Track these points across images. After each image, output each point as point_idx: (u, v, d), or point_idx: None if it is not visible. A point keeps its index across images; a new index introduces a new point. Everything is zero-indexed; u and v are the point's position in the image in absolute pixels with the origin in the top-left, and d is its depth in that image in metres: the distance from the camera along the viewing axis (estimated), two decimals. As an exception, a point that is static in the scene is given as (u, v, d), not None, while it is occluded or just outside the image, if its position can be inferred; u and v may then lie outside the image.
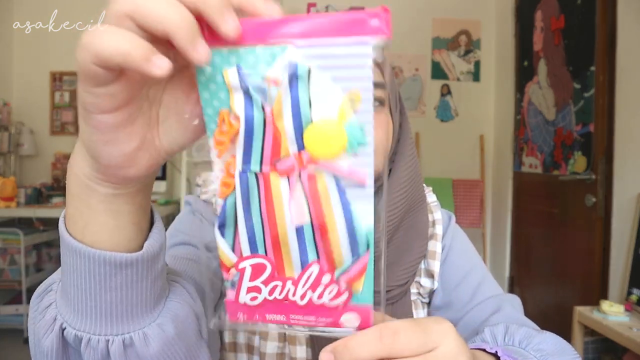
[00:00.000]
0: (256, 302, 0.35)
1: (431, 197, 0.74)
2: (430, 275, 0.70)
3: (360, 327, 0.34)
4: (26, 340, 2.82)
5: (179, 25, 0.28)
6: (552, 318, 2.67)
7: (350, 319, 0.34)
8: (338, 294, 0.33)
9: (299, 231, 0.33)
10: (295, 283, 0.34)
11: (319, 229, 0.32)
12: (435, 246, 0.70)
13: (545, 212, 2.80)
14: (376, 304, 0.34)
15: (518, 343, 0.56)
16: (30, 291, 2.91)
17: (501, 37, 3.43)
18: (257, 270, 0.34)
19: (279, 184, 0.32)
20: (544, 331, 0.59)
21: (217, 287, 0.64)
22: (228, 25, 0.29)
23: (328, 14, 0.29)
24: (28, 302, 2.90)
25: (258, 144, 0.31)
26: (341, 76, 0.29)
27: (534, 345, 0.55)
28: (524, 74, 3.09)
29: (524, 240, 3.12)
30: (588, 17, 2.37)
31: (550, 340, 0.57)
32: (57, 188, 3.43)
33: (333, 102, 0.30)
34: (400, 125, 0.68)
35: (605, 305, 1.86)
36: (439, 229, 0.71)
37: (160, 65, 0.28)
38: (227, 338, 0.65)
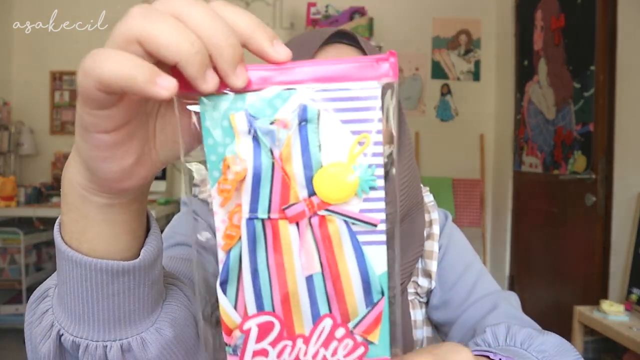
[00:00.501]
0: None
1: (428, 197, 0.74)
2: (427, 275, 0.70)
3: None
4: (26, 340, 2.82)
5: (190, 54, 0.27)
6: (552, 317, 2.67)
7: None
8: (353, 349, 0.31)
9: (309, 282, 0.31)
10: (307, 341, 0.31)
11: (330, 277, 0.31)
12: (432, 246, 0.70)
13: (545, 212, 2.80)
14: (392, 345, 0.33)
15: (520, 344, 0.56)
16: (30, 290, 2.91)
17: (501, 37, 3.42)
18: (264, 330, 0.31)
19: (287, 232, 0.30)
20: (546, 331, 0.59)
21: (214, 287, 0.63)
22: (238, 79, 0.29)
23: (336, 60, 0.29)
24: (28, 301, 2.89)
25: (266, 190, 0.30)
26: (350, 118, 0.29)
27: (535, 347, 0.55)
28: (524, 73, 3.08)
29: (524, 239, 3.12)
30: (588, 16, 2.37)
31: (552, 341, 0.57)
32: (57, 187, 3.43)
33: (343, 144, 0.29)
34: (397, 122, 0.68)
35: (605, 304, 1.86)
36: (435, 229, 0.71)
37: (166, 86, 0.27)
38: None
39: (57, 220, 0.37)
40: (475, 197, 3.40)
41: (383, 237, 0.30)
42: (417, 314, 0.71)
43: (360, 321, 0.31)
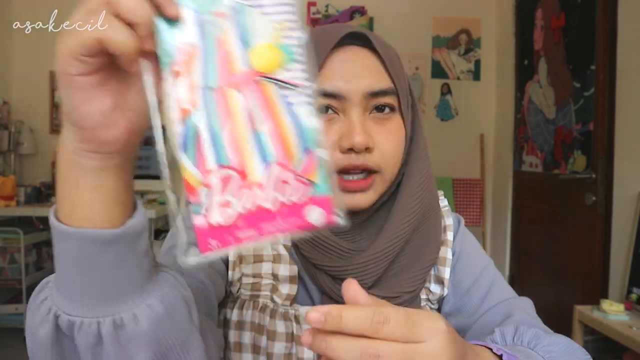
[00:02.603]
0: (228, 220, 0.36)
1: (442, 202, 0.73)
2: (440, 281, 0.69)
3: (327, 222, 0.38)
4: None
5: None
6: (552, 317, 2.67)
7: (316, 216, 0.38)
8: (301, 189, 0.37)
9: (257, 137, 0.37)
10: (263, 187, 0.37)
11: (272, 131, 0.37)
12: (445, 252, 0.69)
13: (545, 211, 2.80)
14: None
15: (527, 343, 0.56)
16: (30, 290, 2.89)
17: (501, 36, 3.42)
18: (225, 183, 0.37)
19: (234, 97, 0.37)
20: (555, 333, 0.59)
21: (221, 286, 0.63)
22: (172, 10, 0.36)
23: None
24: (28, 301, 2.89)
25: (213, 66, 0.37)
26: (273, 11, 0.38)
27: (542, 346, 0.55)
28: (524, 72, 3.08)
29: (524, 239, 3.12)
30: (588, 15, 2.37)
31: (560, 342, 0.57)
32: (57, 187, 3.42)
33: (268, 30, 0.38)
34: (412, 122, 0.67)
35: (605, 304, 1.86)
36: (449, 235, 0.70)
37: (137, 67, 0.35)
38: (232, 337, 0.64)
39: (54, 205, 0.40)
40: (476, 197, 3.41)
41: (309, 96, 0.38)
42: None
43: (301, 164, 0.38)
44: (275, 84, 0.38)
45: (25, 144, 3.49)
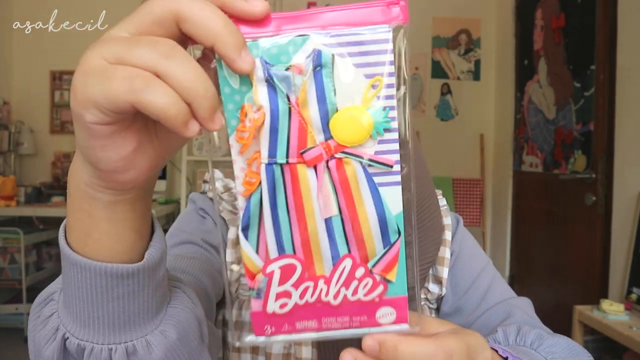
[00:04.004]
0: (286, 310, 0.33)
1: (441, 202, 0.73)
2: (438, 281, 0.69)
3: (397, 322, 0.33)
4: (26, 340, 2.82)
5: (225, 32, 0.27)
6: (552, 317, 2.67)
7: (386, 314, 0.33)
8: (373, 287, 0.32)
9: (328, 224, 0.32)
10: (328, 281, 0.32)
11: (349, 219, 0.32)
12: (444, 252, 0.69)
13: (545, 211, 2.80)
14: (411, 300, 0.33)
15: (530, 344, 0.56)
16: (30, 290, 2.91)
17: (501, 36, 3.42)
18: (287, 273, 0.32)
19: (306, 175, 0.31)
20: (558, 334, 0.59)
21: (220, 284, 0.63)
22: (245, 63, 0.29)
23: (345, 6, 0.30)
24: (28, 301, 2.91)
25: (284, 135, 0.31)
26: (363, 62, 0.30)
27: (545, 347, 0.55)
28: (524, 72, 3.08)
29: (524, 239, 3.12)
30: (588, 15, 2.37)
31: (563, 343, 0.57)
32: (57, 187, 3.43)
33: (357, 88, 0.30)
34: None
35: (605, 304, 1.86)
36: (447, 235, 0.70)
37: (193, 129, 0.28)
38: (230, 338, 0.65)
39: (62, 224, 0.37)
40: (475, 197, 3.40)
41: (398, 178, 0.31)
42: None
43: (378, 260, 0.32)
44: (361, 162, 0.31)
45: (25, 144, 3.49)
